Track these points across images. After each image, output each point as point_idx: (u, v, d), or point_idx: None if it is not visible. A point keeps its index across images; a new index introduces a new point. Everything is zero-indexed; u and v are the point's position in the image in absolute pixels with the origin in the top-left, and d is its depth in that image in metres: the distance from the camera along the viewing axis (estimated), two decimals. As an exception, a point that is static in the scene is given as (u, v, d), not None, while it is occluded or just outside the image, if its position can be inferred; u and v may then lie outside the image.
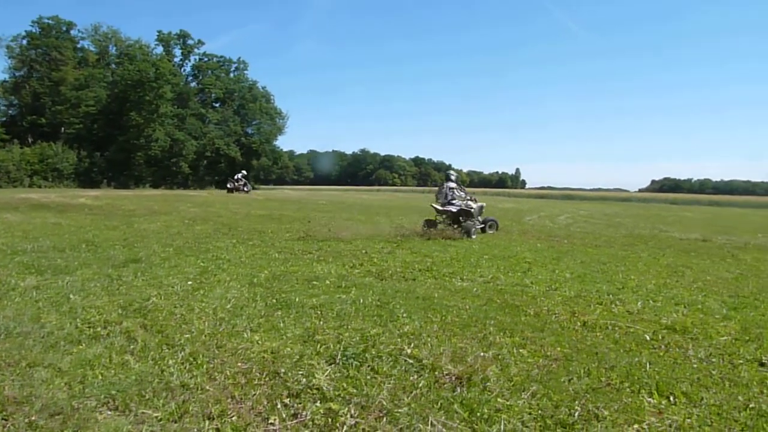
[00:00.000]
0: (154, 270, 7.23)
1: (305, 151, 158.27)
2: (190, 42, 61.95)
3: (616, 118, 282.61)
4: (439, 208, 13.09)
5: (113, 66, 55.69)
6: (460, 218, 12.76)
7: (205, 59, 64.15)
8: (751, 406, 3.38)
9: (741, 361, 4.23)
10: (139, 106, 49.86)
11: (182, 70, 62.03)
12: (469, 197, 13.38)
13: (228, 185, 40.05)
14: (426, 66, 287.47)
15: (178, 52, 61.75)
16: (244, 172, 42.94)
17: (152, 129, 50.93)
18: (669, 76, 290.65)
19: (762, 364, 4.19)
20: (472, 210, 12.94)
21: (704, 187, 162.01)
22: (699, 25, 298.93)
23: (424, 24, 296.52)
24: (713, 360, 4.26)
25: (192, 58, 63.31)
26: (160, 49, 59.18)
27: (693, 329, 5.05)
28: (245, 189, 38.85)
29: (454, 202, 12.99)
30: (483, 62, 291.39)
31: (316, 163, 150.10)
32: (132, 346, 4.15)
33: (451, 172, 14.04)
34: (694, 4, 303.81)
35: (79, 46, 56.37)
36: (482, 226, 13.35)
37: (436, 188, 14.19)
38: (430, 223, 13.20)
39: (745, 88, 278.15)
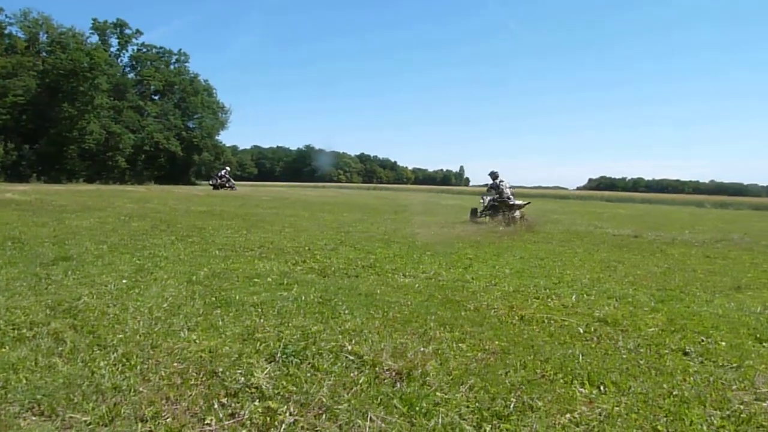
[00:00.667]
0: (86, 268, 6.93)
1: (249, 147, 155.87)
2: (127, 32, 59.39)
3: (557, 117, 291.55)
4: (511, 202, 15.81)
5: (44, 54, 52.58)
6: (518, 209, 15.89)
7: (144, 50, 61.81)
8: (674, 393, 3.56)
9: (666, 351, 4.45)
10: (72, 97, 47.55)
11: (119, 60, 59.54)
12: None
13: (211, 182, 38.36)
14: (369, 62, 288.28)
15: (114, 41, 59.07)
16: (228, 168, 41.20)
17: (86, 121, 48.70)
18: (606, 76, 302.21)
19: (686, 354, 4.42)
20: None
21: (638, 185, 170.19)
22: (632, 23, 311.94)
23: (368, 21, 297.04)
24: (641, 350, 4.46)
25: (129, 48, 60.83)
26: (95, 38, 56.34)
27: (623, 321, 5.27)
28: (229, 185, 37.26)
29: (512, 196, 15.85)
30: (425, 60, 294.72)
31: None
32: (60, 348, 3.97)
33: (497, 171, 16.64)
34: (625, 2, 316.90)
35: (6, 32, 52.93)
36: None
37: (486, 187, 17.14)
38: (475, 214, 16.59)
39: (676, 86, 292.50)
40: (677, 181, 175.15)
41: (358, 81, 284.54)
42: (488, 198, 16.50)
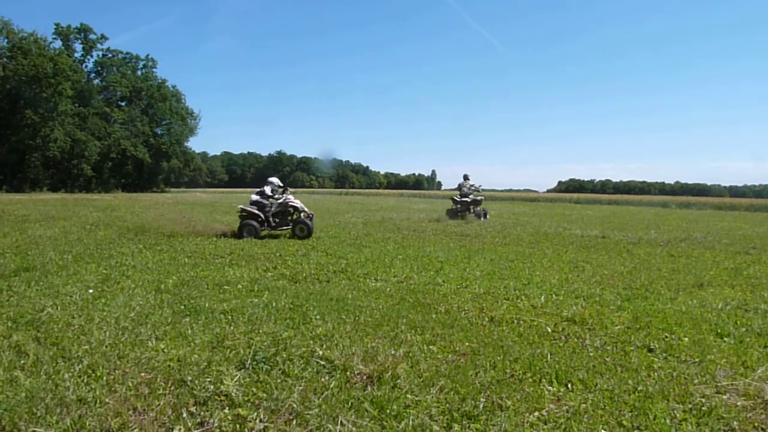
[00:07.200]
0: (49, 279, 6.77)
1: (219, 153, 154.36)
2: (92, 37, 58.39)
3: (527, 123, 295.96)
4: (458, 198, 19.86)
5: (5, 60, 51.26)
6: (472, 206, 19.68)
7: (110, 55, 60.88)
8: (639, 389, 3.64)
9: (632, 348, 4.55)
10: (34, 104, 46.43)
11: (84, 66, 58.37)
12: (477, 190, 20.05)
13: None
14: (344, 67, 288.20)
15: (78, 47, 58.02)
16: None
17: (50, 128, 47.61)
18: (573, 90, 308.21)
19: (650, 350, 4.53)
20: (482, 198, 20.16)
21: (605, 187, 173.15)
22: (598, 42, 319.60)
23: (335, 20, 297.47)
24: (607, 348, 4.55)
25: (94, 53, 59.77)
26: (58, 44, 55.16)
27: (590, 320, 5.37)
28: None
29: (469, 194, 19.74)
30: (404, 72, 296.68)
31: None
32: (22, 361, 3.88)
33: (468, 174, 20.42)
34: (594, 23, 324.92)
35: (-37, 37, 51.59)
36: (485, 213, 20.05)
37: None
38: (451, 212, 19.94)
39: (641, 96, 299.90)
40: (643, 182, 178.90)
41: (330, 85, 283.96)
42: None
